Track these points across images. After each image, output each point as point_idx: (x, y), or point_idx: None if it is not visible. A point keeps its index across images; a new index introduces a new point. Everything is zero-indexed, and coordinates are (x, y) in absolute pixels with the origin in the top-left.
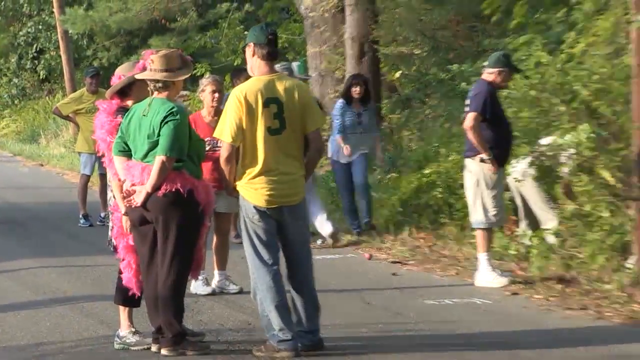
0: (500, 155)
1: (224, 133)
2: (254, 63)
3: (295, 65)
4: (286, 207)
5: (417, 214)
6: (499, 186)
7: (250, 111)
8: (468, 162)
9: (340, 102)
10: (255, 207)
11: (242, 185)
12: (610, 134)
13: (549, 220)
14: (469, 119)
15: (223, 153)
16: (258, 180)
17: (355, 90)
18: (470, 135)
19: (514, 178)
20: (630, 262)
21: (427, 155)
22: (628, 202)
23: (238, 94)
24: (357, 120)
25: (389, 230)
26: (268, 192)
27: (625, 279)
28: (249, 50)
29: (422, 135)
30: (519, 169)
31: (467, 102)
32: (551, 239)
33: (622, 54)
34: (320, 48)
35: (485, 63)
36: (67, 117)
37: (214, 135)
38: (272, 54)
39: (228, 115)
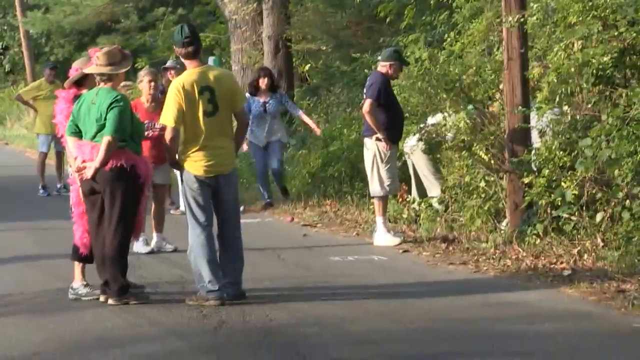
0: (393, 135)
1: (168, 119)
2: (183, 60)
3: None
4: (221, 175)
5: (323, 184)
6: (392, 161)
7: (189, 98)
8: (366, 140)
9: (245, 94)
10: (195, 177)
11: (183, 159)
12: (485, 118)
13: (434, 188)
14: (366, 105)
15: (167, 135)
16: (197, 154)
17: (263, 82)
18: (368, 118)
19: (405, 152)
20: (503, 224)
21: (332, 134)
22: (500, 174)
23: (177, 84)
24: (264, 108)
25: (300, 198)
26: (206, 164)
27: (499, 238)
28: (176, 51)
29: (327, 118)
30: (409, 144)
31: (365, 90)
32: (436, 205)
33: (493, 51)
34: (242, 45)
35: (379, 57)
36: (26, 103)
37: (160, 121)
38: (191, 52)
39: (170, 104)
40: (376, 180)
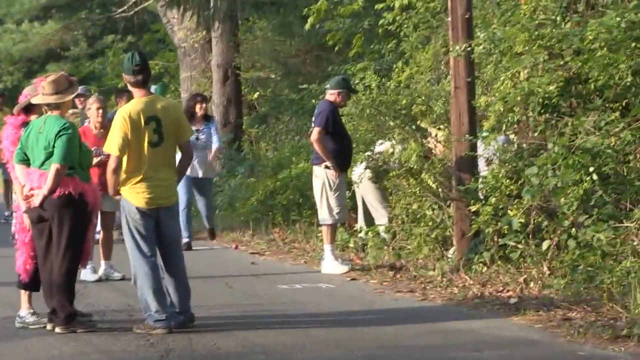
0: (342, 163)
1: (112, 147)
2: (130, 88)
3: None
4: (162, 208)
5: (272, 212)
6: (341, 188)
7: (134, 128)
8: (315, 168)
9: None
10: (137, 208)
11: (125, 189)
12: (432, 146)
13: (381, 217)
14: (315, 133)
15: (111, 164)
16: (140, 186)
17: (201, 107)
18: (316, 146)
19: (354, 181)
20: (450, 253)
21: (280, 162)
22: (448, 202)
23: (123, 113)
24: (196, 137)
25: (248, 226)
26: (148, 196)
27: (446, 266)
28: (124, 78)
29: (276, 146)
30: (357, 172)
31: (313, 118)
32: (383, 234)
33: (442, 80)
34: (191, 73)
35: (327, 85)
36: None
37: (104, 149)
38: (141, 81)
39: (115, 132)
40: (325, 208)
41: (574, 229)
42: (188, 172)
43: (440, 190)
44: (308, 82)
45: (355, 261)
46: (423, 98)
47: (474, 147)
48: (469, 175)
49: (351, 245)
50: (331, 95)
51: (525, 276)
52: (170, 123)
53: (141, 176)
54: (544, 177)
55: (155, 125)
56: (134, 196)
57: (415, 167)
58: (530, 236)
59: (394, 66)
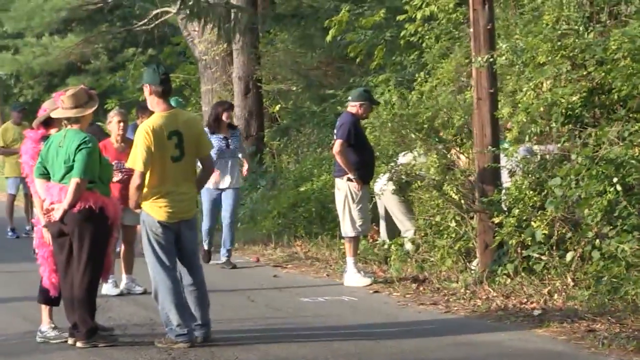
0: (365, 175)
1: (137, 163)
2: (152, 100)
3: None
4: (183, 221)
5: (294, 225)
6: (364, 201)
7: (158, 142)
8: (337, 181)
9: (205, 130)
10: (158, 222)
11: (147, 203)
12: (455, 158)
13: (407, 230)
14: (337, 145)
15: (135, 180)
16: (162, 200)
17: (227, 115)
18: (338, 159)
19: (376, 193)
20: (474, 264)
21: (302, 175)
22: (471, 214)
23: (146, 128)
24: (225, 144)
25: (270, 238)
26: (170, 210)
27: (469, 278)
28: (146, 90)
29: (298, 158)
30: (379, 184)
31: (335, 131)
32: (408, 246)
33: (464, 91)
34: (212, 86)
35: (349, 97)
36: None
37: (127, 165)
38: (167, 91)
39: (139, 147)
40: (348, 220)
41: (598, 240)
42: (214, 183)
43: (463, 202)
44: (330, 95)
45: (378, 274)
46: (445, 110)
47: (496, 159)
48: (492, 187)
49: (374, 257)
50: (353, 107)
51: (549, 288)
52: (191, 137)
53: (163, 191)
54: (568, 188)
55: (177, 140)
56: (155, 210)
57: (437, 178)
58: (554, 247)
59: (416, 77)
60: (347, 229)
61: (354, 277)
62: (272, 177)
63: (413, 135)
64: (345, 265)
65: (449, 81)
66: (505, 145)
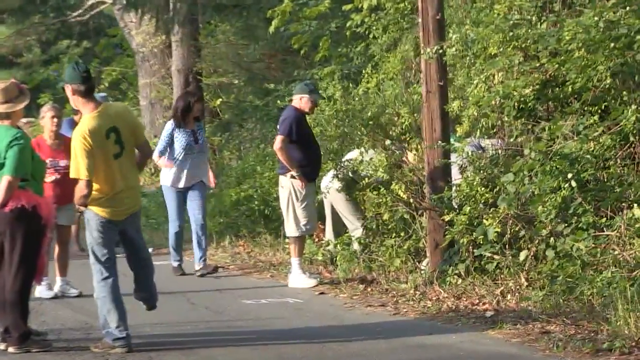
0: (309, 172)
1: (81, 171)
2: (76, 101)
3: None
4: (130, 216)
5: (236, 224)
6: (309, 199)
7: (97, 145)
8: (281, 178)
9: (170, 123)
10: (103, 220)
11: (93, 203)
12: (403, 156)
13: (355, 228)
14: (277, 142)
15: (82, 189)
16: (108, 198)
17: (197, 107)
18: (280, 155)
19: (322, 191)
20: (424, 264)
21: (245, 172)
22: (420, 212)
23: (82, 133)
24: (194, 138)
25: (211, 238)
26: (121, 208)
27: (419, 279)
28: (67, 90)
29: (240, 155)
30: (325, 182)
31: (278, 126)
32: (355, 245)
33: (412, 85)
34: (150, 79)
35: (293, 91)
36: None
37: (71, 175)
38: (90, 89)
39: (79, 155)
40: (292, 219)
41: (552, 239)
42: (177, 182)
43: (412, 200)
44: (273, 88)
45: (324, 274)
46: (392, 106)
47: (446, 154)
48: (442, 184)
49: (319, 257)
50: (296, 101)
51: (502, 288)
52: (127, 129)
53: (113, 191)
54: (521, 184)
55: (116, 136)
56: (104, 209)
57: (385, 177)
58: (507, 246)
59: (363, 71)
60: (291, 229)
61: (298, 278)
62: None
63: (359, 132)
64: (290, 266)
65: (396, 75)
66: (452, 141)
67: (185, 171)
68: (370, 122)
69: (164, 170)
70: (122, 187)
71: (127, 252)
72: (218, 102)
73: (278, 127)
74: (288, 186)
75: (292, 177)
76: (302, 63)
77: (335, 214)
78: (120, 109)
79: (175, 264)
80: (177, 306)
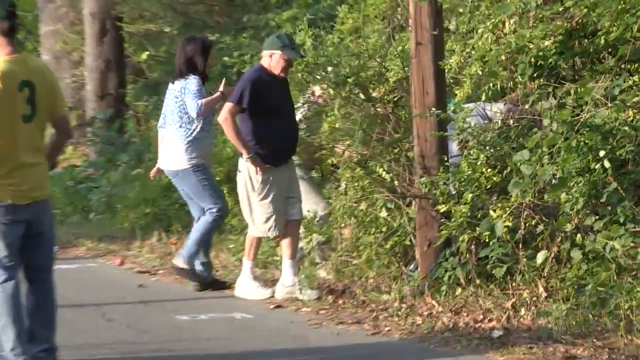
0: (271, 155)
1: None
2: None
3: None
4: (36, 202)
5: (167, 216)
6: (270, 190)
7: (7, 96)
8: (240, 161)
9: (196, 79)
10: (7, 205)
11: None
12: (387, 124)
13: (320, 209)
14: (222, 111)
15: None
16: (10, 176)
17: (211, 56)
18: (225, 129)
19: None
20: (411, 269)
21: None
22: (407, 200)
23: None
24: (200, 105)
25: (134, 234)
26: (21, 188)
27: (406, 288)
28: None
29: None
30: None
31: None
32: (318, 240)
33: (402, 31)
34: (55, 26)
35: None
36: None
37: None
38: (13, 29)
39: None
40: (247, 214)
41: (579, 236)
42: (205, 158)
43: (396, 183)
44: (218, 34)
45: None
46: (376, 58)
47: (442, 125)
48: (436, 163)
49: (277, 259)
50: (264, 58)
51: (513, 300)
52: (45, 90)
53: (12, 163)
54: (539, 165)
55: (29, 93)
56: (4, 189)
57: (361, 152)
58: (521, 246)
59: (336, 13)
60: (250, 226)
61: (248, 287)
62: (137, 150)
63: (331, 92)
64: (240, 270)
65: (381, 17)
66: (450, 107)
67: (208, 145)
68: (349, 80)
69: (189, 144)
70: (23, 161)
71: (29, 260)
72: (144, 56)
73: None
74: (244, 172)
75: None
76: (255, 6)
77: None
78: (40, 65)
79: (199, 275)
80: (90, 324)
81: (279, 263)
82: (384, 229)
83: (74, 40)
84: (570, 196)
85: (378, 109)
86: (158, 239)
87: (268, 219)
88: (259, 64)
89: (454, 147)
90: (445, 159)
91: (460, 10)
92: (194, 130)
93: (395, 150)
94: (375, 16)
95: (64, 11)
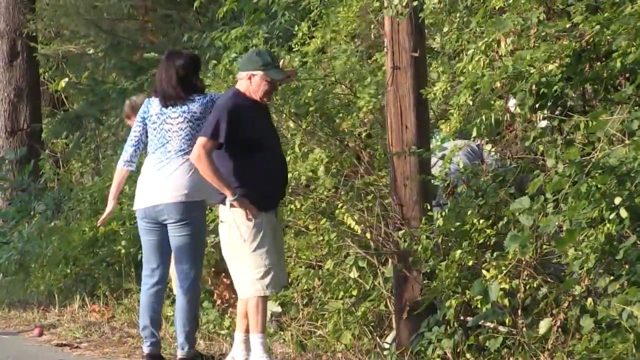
0: (259, 198)
1: None
2: None
3: None
4: None
5: (91, 276)
6: (265, 236)
7: None
8: (220, 209)
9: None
10: None
11: None
12: (358, 164)
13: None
14: (196, 147)
15: None
16: None
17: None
18: (201, 170)
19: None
20: (388, 340)
21: (105, 195)
22: (383, 257)
23: None
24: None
25: (52, 299)
26: None
27: None
28: None
29: (98, 167)
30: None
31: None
32: (274, 308)
33: (377, 52)
34: None
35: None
36: None
37: None
38: None
39: None
40: (241, 273)
41: (590, 300)
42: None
43: (369, 236)
44: (149, 60)
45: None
46: (344, 84)
47: (424, 166)
48: (418, 212)
49: (223, 331)
50: (242, 81)
51: None
52: None
53: None
54: (541, 214)
55: None
56: None
57: (327, 195)
58: (520, 312)
59: (295, 31)
60: (244, 287)
61: None
62: (54, 198)
63: (291, 124)
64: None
65: (351, 36)
66: (433, 144)
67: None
68: (311, 109)
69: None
70: None
71: None
72: (63, 83)
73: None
74: (229, 221)
75: (232, 204)
76: (196, 22)
77: None
78: None
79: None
80: None
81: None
82: (354, 293)
83: None
84: (580, 252)
85: (348, 144)
86: (81, 305)
87: (266, 273)
88: (234, 88)
89: (438, 192)
90: (429, 207)
91: (446, 27)
92: None
93: (369, 197)
94: (345, 35)
95: None
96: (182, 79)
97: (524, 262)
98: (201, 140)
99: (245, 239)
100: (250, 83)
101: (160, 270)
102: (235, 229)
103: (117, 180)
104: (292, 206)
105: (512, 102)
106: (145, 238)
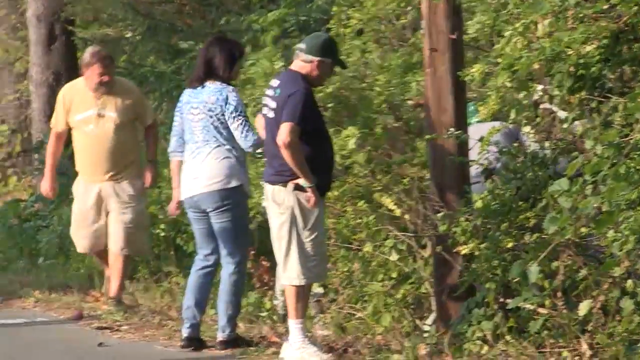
0: (326, 183)
1: None
2: None
3: None
4: None
5: (131, 259)
6: (320, 225)
7: None
8: (276, 190)
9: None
10: None
11: None
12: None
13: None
14: (284, 132)
15: None
16: None
17: None
18: (287, 156)
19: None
20: (428, 323)
21: None
22: (422, 240)
23: None
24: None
25: (93, 283)
26: None
27: (422, 346)
28: None
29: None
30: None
31: (270, 104)
32: (318, 289)
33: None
34: None
35: (301, 45)
36: None
37: None
38: None
39: None
40: (295, 259)
41: (630, 281)
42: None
43: (408, 219)
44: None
45: (272, 338)
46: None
47: (462, 149)
48: (456, 195)
49: (263, 313)
50: (305, 64)
51: (552, 359)
52: None
53: None
54: (580, 196)
55: None
56: None
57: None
58: (560, 294)
59: (331, 13)
60: (292, 273)
61: (303, 354)
62: None
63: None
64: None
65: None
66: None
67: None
68: (383, 106)
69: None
70: None
71: None
72: None
73: (272, 106)
74: (290, 204)
75: (298, 188)
76: (234, 5)
77: None
78: None
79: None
80: None
81: (265, 316)
82: (394, 275)
83: (16, 48)
84: (619, 234)
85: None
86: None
87: (320, 262)
88: (295, 72)
89: (476, 174)
90: (467, 189)
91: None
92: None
93: (406, 180)
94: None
95: (3, 13)
96: (207, 61)
97: (563, 244)
98: (288, 125)
99: (306, 226)
100: (318, 69)
101: (213, 257)
102: (298, 214)
103: (172, 171)
104: (330, 193)
105: (539, 88)
106: (194, 227)
